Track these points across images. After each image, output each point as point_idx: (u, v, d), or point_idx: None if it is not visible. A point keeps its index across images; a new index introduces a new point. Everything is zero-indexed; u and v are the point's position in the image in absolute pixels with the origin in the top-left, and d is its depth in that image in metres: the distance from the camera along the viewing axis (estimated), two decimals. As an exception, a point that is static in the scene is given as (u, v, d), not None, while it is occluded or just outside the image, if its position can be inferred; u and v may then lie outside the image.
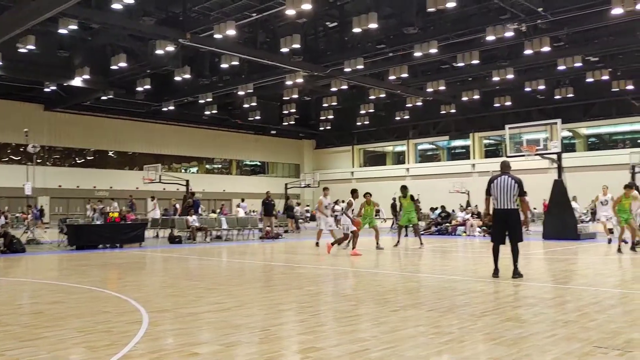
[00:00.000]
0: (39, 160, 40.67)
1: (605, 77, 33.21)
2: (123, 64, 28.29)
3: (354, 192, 15.69)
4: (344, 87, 34.85)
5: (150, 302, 7.29)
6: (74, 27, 23.91)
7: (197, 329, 5.77)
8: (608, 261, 12.46)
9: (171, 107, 39.39)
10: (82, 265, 12.57)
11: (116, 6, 22.25)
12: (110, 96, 35.56)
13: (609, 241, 16.72)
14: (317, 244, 17.41)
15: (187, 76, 31.15)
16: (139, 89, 34.07)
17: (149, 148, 45.82)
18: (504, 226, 9.36)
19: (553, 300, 7.28)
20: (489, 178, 9.68)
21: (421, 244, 17.08)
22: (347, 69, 29.25)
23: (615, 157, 37.26)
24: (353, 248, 14.57)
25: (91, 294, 8.26)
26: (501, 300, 7.29)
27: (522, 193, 9.33)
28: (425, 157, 52.87)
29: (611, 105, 40.15)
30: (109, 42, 29.60)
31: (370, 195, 16.45)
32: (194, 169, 50.72)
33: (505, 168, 9.59)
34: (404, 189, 17.69)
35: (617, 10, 21.34)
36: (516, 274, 9.18)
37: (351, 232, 14.95)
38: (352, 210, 15.32)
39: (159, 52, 26.19)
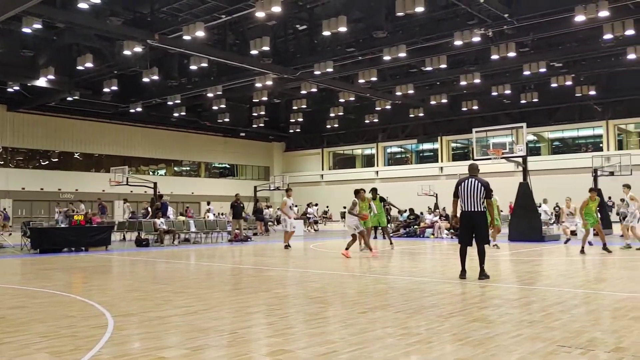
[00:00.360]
0: (1, 162, 39.81)
1: (569, 83, 34.00)
2: (89, 65, 27.83)
3: (358, 193, 15.17)
4: (314, 89, 34.90)
5: (116, 306, 7.17)
6: (38, 26, 23.39)
7: (164, 332, 5.70)
8: (571, 262, 12.73)
9: (139, 109, 38.86)
10: (45, 269, 12.30)
11: (82, 5, 21.87)
12: (76, 97, 34.88)
13: (566, 241, 17.37)
14: (286, 246, 17.38)
15: (155, 77, 30.79)
16: (106, 89, 33.52)
17: (116, 150, 45.11)
18: (470, 228, 9.50)
19: (518, 301, 7.40)
20: (457, 181, 9.82)
21: (391, 243, 17.24)
22: (317, 72, 29.31)
23: (578, 160, 38.15)
24: (346, 248, 14.22)
25: (55, 298, 8.09)
26: (468, 302, 7.38)
27: (488, 196, 9.48)
28: (394, 160, 53.29)
29: (574, 110, 41.13)
30: (74, 41, 29.04)
31: (364, 191, 15.98)
32: (162, 172, 50.15)
33: (473, 171, 9.73)
34: (374, 191, 17.80)
35: (579, 18, 21.87)
36: (482, 275, 9.31)
37: (359, 232, 14.59)
38: (357, 210, 14.94)
39: (127, 52, 25.83)
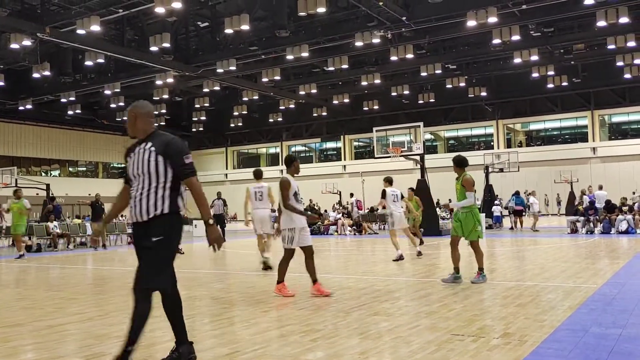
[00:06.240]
0: None
1: (462, 84, 35.78)
2: (-29, 58, 25.88)
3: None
4: (217, 88, 34.41)
5: (1, 317, 6.71)
6: None
7: (56, 342, 5.40)
8: (465, 255, 13.35)
9: (29, 106, 36.55)
10: None
11: (-38, -6, 20.30)
12: (-44, 93, 32.34)
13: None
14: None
15: (47, 73, 29.03)
16: (-9, 85, 31.29)
17: (3, 150, 42.25)
18: None
19: (417, 293, 7.69)
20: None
21: None
22: (220, 70, 28.92)
23: (471, 158, 39.94)
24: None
25: None
26: (369, 296, 7.57)
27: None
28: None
29: (468, 110, 43.39)
30: (-47, 32, 26.85)
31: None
32: (56, 172, 47.54)
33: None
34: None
35: (471, 23, 23.07)
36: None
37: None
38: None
39: (14, 46, 24.17)
